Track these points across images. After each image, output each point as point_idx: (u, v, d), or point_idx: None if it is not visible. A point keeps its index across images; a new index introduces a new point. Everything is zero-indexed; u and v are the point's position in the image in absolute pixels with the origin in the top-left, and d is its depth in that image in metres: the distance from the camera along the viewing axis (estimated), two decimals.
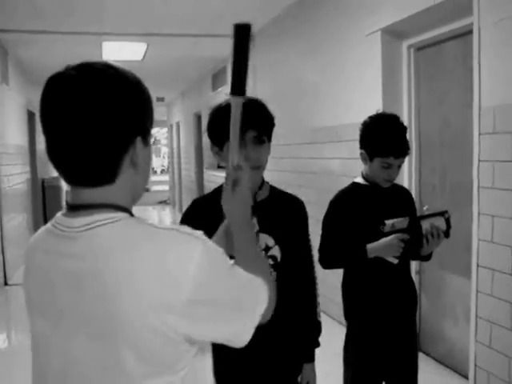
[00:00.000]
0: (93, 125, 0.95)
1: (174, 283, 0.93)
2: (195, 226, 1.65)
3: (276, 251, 1.83)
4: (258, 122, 1.76)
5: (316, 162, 5.18)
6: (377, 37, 3.94)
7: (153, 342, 0.93)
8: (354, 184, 2.44)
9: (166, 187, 17.89)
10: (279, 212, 1.89)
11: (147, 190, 21.59)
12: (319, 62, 5.03)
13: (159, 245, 0.96)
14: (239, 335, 1.06)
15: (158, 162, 25.47)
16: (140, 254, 0.94)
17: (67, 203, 1.04)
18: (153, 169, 25.04)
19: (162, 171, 24.85)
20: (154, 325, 0.92)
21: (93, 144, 0.95)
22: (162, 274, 0.93)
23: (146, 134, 1.04)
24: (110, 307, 0.93)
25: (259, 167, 1.80)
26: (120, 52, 7.73)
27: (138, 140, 1.01)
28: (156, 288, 0.92)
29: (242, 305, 1.06)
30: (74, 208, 1.01)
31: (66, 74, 0.98)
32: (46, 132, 0.99)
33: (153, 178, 22.82)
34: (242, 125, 1.72)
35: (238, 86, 1.30)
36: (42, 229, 1.09)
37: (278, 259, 1.84)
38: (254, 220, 1.79)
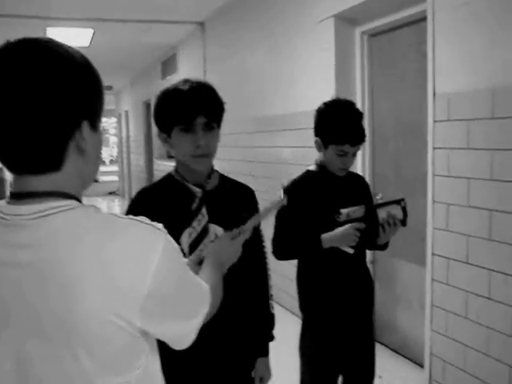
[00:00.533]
0: (34, 106, 0.86)
1: (136, 275, 0.90)
2: (142, 216, 1.56)
3: None
4: (208, 107, 1.69)
5: (267, 151, 5.10)
6: (330, 23, 3.87)
7: (110, 338, 0.89)
8: (308, 172, 2.36)
9: (115, 178, 17.54)
10: (229, 201, 1.82)
11: (96, 181, 21.15)
12: (271, 50, 4.94)
13: (122, 235, 0.92)
14: (186, 335, 1.06)
15: (107, 151, 24.95)
16: (102, 243, 0.89)
17: (11, 192, 0.96)
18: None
19: (111, 161, 24.37)
20: (113, 319, 0.88)
21: (34, 127, 0.88)
22: (125, 265, 0.89)
23: (94, 119, 0.97)
24: (70, 298, 0.87)
25: (208, 154, 1.73)
26: (65, 38, 7.41)
27: (85, 124, 0.94)
28: (119, 279, 0.88)
29: (191, 305, 1.07)
30: (20, 196, 0.93)
31: (6, 49, 0.90)
32: None
33: (101, 168, 22.42)
34: (192, 111, 1.66)
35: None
36: None
37: None
38: (204, 210, 1.75)
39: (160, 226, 0.98)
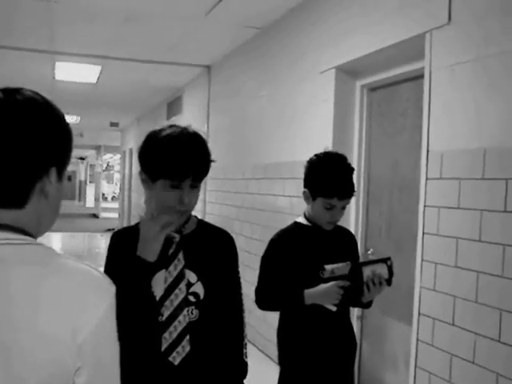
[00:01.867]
0: (8, 148, 0.95)
1: (76, 323, 0.90)
2: (116, 259, 1.62)
3: (198, 288, 1.75)
4: (199, 170, 1.70)
5: (264, 199, 5.08)
6: (331, 74, 3.91)
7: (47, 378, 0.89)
8: (296, 224, 2.33)
9: (115, 214, 17.51)
10: (205, 246, 1.81)
11: (96, 217, 21.19)
12: (272, 97, 4.98)
13: (71, 280, 0.94)
14: None
15: (110, 188, 25.06)
16: (50, 284, 0.91)
17: None
18: (103, 195, 24.70)
19: (113, 198, 24.44)
20: (49, 361, 0.88)
21: (5, 166, 0.95)
22: (67, 311, 0.90)
23: (61, 168, 1.04)
24: (10, 332, 0.88)
25: (189, 210, 1.77)
26: (73, 73, 7.54)
27: (53, 171, 1.01)
28: (59, 322, 0.89)
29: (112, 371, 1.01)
30: None
31: None
32: None
33: (103, 204, 22.51)
34: (183, 173, 1.66)
35: None
36: None
37: (201, 296, 1.75)
38: (180, 255, 1.74)
39: (109, 281, 0.99)
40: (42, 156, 0.98)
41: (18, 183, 0.96)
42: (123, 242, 1.78)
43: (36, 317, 0.88)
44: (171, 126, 1.75)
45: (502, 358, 2.42)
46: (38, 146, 0.97)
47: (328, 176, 2.19)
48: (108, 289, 0.97)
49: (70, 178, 35.12)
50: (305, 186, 2.30)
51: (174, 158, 1.66)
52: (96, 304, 0.93)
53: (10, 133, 0.94)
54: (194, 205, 1.75)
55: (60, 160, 1.03)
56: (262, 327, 4.67)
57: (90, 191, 26.68)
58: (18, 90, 1.00)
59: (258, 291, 2.30)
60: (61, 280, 0.92)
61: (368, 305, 2.38)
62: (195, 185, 1.71)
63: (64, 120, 1.05)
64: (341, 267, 2.16)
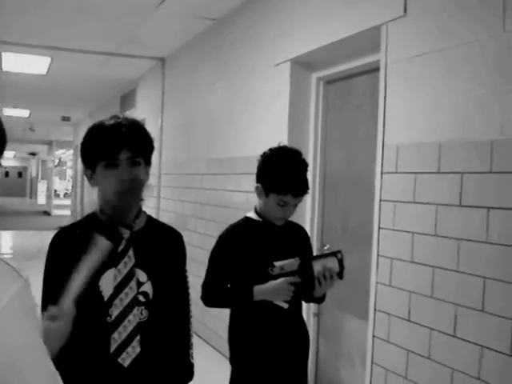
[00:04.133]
0: None
1: None
2: (61, 257, 1.58)
3: (148, 287, 1.68)
4: (132, 141, 1.63)
5: (218, 194, 4.99)
6: (286, 67, 3.85)
7: None
8: (247, 219, 2.27)
9: (68, 212, 17.12)
10: (154, 245, 1.75)
11: (48, 214, 20.65)
12: (227, 90, 4.90)
13: None
14: None
15: (63, 185, 24.49)
16: None
17: None
18: (55, 192, 24.11)
19: (66, 195, 23.90)
20: None
21: None
22: None
23: None
24: None
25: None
26: (22, 64, 7.27)
27: None
28: None
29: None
30: None
31: None
32: None
33: (55, 201, 21.95)
34: (114, 145, 1.60)
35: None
36: None
37: (150, 296, 1.68)
38: (131, 252, 1.67)
39: (25, 274, 0.92)
40: None
41: None
42: (66, 242, 1.71)
43: None
44: (111, 116, 1.70)
45: (458, 353, 2.41)
46: None
47: (283, 172, 2.13)
48: (19, 277, 0.90)
49: (20, 175, 34.20)
50: (257, 181, 2.24)
51: (104, 136, 1.62)
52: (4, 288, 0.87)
53: None
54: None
55: None
56: (217, 325, 4.59)
57: (42, 188, 26.02)
58: None
59: (204, 287, 2.23)
60: None
61: (321, 299, 2.34)
62: (134, 161, 1.64)
63: None
64: (290, 263, 2.14)
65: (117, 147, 1.60)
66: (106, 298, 1.63)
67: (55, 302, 1.55)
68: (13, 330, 0.86)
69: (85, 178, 6.91)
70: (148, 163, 1.71)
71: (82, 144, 1.69)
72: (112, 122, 1.64)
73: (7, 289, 0.87)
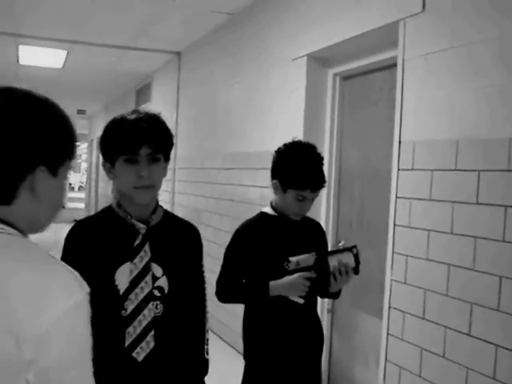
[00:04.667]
0: None
1: (32, 318, 0.88)
2: (78, 250, 1.58)
3: (163, 282, 1.68)
4: (153, 138, 1.63)
5: (234, 189, 4.99)
6: (303, 62, 3.83)
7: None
8: (262, 214, 2.27)
9: (82, 205, 17.23)
10: (171, 239, 1.75)
11: (63, 207, 20.72)
12: (243, 85, 4.89)
13: (44, 274, 0.94)
14: None
15: (77, 178, 24.57)
16: (20, 275, 0.92)
17: None
18: (70, 185, 24.23)
19: (80, 188, 23.99)
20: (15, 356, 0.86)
21: None
22: (27, 304, 0.89)
23: (54, 165, 1.03)
24: None
25: (152, 186, 1.66)
26: (38, 58, 7.31)
27: (41, 169, 1.00)
28: (11, 315, 0.88)
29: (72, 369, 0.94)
30: None
31: None
32: None
33: (70, 194, 22.09)
34: (135, 140, 1.60)
35: None
36: None
37: (166, 291, 1.69)
38: (147, 247, 1.67)
39: (85, 284, 0.97)
40: (25, 155, 0.98)
41: (1, 182, 0.99)
42: (85, 235, 1.70)
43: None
44: (132, 111, 1.71)
45: (472, 351, 2.40)
46: (19, 145, 0.98)
47: (300, 168, 2.13)
48: (75, 288, 0.95)
49: None
50: (273, 177, 2.23)
51: (125, 130, 1.62)
52: (57, 302, 0.91)
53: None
54: (157, 181, 1.67)
55: (51, 157, 1.02)
56: (230, 320, 4.59)
57: None
58: (7, 90, 1.04)
59: (219, 282, 2.23)
60: (28, 274, 0.93)
61: (336, 295, 2.34)
62: (154, 157, 1.64)
63: (55, 117, 1.05)
64: (306, 258, 2.14)
65: (138, 143, 1.60)
66: (121, 292, 1.64)
67: None
68: (68, 339, 0.92)
69: (99, 171, 6.98)
70: (167, 159, 1.71)
71: (102, 137, 1.68)
72: (134, 116, 1.64)
73: (69, 298, 0.93)
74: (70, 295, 0.93)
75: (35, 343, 0.87)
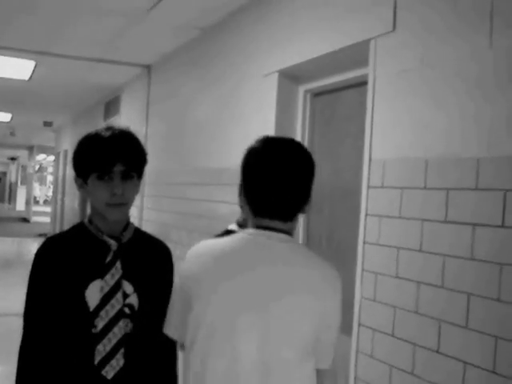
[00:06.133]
0: (302, 180, 1.56)
1: (322, 304, 1.54)
2: (48, 266, 1.56)
3: (134, 299, 1.68)
4: (127, 155, 1.64)
5: (203, 205, 4.95)
6: (274, 78, 3.84)
7: None
8: (228, 232, 2.25)
9: (48, 219, 16.91)
10: (141, 257, 1.75)
11: (27, 221, 20.37)
12: (213, 100, 4.88)
13: (320, 271, 1.56)
14: None
15: (43, 191, 24.18)
16: (314, 272, 1.55)
17: (261, 225, 1.56)
18: (35, 198, 23.84)
19: (45, 201, 23.61)
20: None
21: (301, 193, 1.57)
22: (319, 292, 1.54)
23: None
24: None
25: (125, 204, 1.67)
26: (5, 68, 7.17)
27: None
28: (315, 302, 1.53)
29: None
30: (270, 229, 1.55)
31: (288, 144, 1.62)
32: None
33: (34, 208, 21.68)
34: (109, 157, 1.60)
35: None
36: None
37: (136, 308, 1.68)
38: (118, 264, 1.67)
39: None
40: (309, 187, 1.56)
41: (301, 204, 1.51)
42: (55, 250, 1.68)
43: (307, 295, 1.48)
44: (107, 127, 1.72)
45: (441, 369, 2.40)
46: (311, 180, 1.53)
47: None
48: (336, 280, 1.59)
49: None
50: (240, 194, 2.21)
51: (99, 147, 1.63)
52: (334, 292, 1.55)
53: (304, 169, 1.52)
54: (129, 198, 1.68)
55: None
56: None
57: (21, 194, 25.66)
58: (297, 143, 1.62)
59: None
60: (320, 270, 1.53)
61: None
62: (128, 175, 1.65)
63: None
64: None
65: (112, 160, 1.61)
66: (91, 309, 1.62)
67: (41, 313, 1.53)
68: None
69: (66, 185, 6.85)
70: (140, 176, 1.72)
71: (76, 152, 1.69)
72: (108, 133, 1.65)
73: (337, 289, 1.57)
74: (336, 288, 1.57)
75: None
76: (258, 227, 1.50)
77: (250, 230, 1.51)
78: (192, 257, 1.52)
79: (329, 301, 1.50)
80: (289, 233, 1.50)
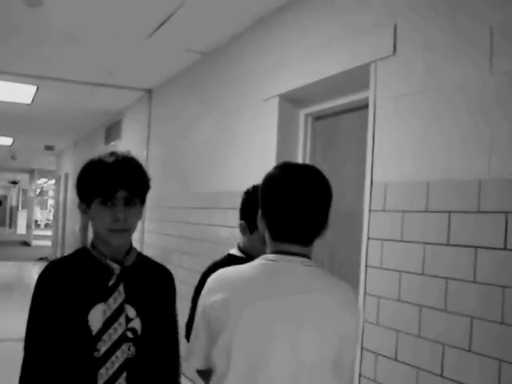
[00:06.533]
0: (324, 204, 1.60)
1: (345, 323, 1.56)
2: (51, 291, 1.57)
3: (137, 323, 1.67)
4: (130, 182, 1.65)
5: (204, 229, 4.95)
6: (274, 102, 3.87)
7: None
8: (230, 256, 2.25)
9: (48, 243, 16.87)
10: (144, 281, 1.75)
11: (28, 245, 20.32)
12: (214, 124, 4.91)
13: (342, 292, 1.61)
14: None
15: (44, 215, 24.18)
16: (338, 293, 1.60)
17: (280, 251, 1.59)
18: (36, 222, 23.82)
19: (47, 225, 23.59)
20: None
21: (322, 218, 1.60)
22: (345, 312, 1.58)
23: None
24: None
25: (127, 230, 1.67)
26: (7, 92, 7.23)
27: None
28: (344, 320, 1.56)
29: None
30: (290, 254, 1.57)
31: (309, 170, 1.65)
32: None
33: (35, 232, 21.64)
34: (113, 183, 1.61)
35: None
36: None
37: (139, 332, 1.67)
38: (121, 287, 1.67)
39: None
40: (327, 213, 1.58)
41: (318, 230, 1.57)
42: (58, 274, 1.68)
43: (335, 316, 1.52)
44: (110, 153, 1.73)
45: None
46: (328, 202, 1.57)
47: None
48: (356, 302, 1.69)
49: (0, 203, 33.71)
50: (241, 218, 2.22)
51: (103, 173, 1.64)
52: (355, 311, 1.60)
53: (325, 194, 1.58)
54: (132, 224, 1.68)
55: None
56: None
57: (22, 217, 25.65)
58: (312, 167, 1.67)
59: (188, 325, 2.18)
60: (340, 292, 1.58)
61: None
62: (131, 202, 1.66)
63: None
64: None
65: (115, 186, 1.62)
66: (94, 333, 1.62)
67: (42, 339, 1.52)
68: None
69: (67, 209, 6.85)
70: (143, 202, 1.73)
71: (79, 178, 1.71)
72: (112, 159, 1.66)
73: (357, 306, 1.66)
74: (356, 306, 1.65)
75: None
76: (277, 252, 1.53)
77: (271, 256, 1.54)
78: (215, 285, 1.54)
79: (350, 322, 1.55)
80: (308, 257, 1.55)
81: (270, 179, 1.57)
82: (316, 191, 1.54)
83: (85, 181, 1.69)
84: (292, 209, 1.50)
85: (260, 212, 1.59)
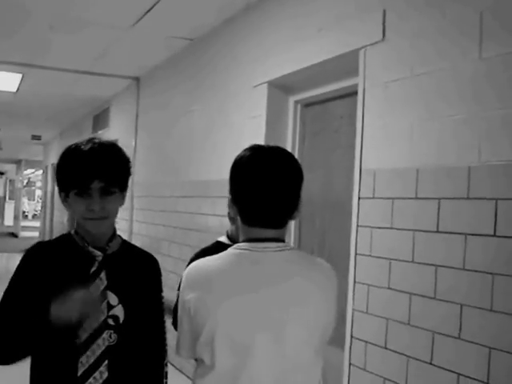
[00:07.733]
0: (292, 185, 1.54)
1: (328, 302, 1.58)
2: (35, 270, 1.54)
3: (119, 311, 1.65)
4: (106, 172, 1.60)
5: (193, 218, 4.92)
6: (263, 89, 3.83)
7: None
8: (218, 243, 2.24)
9: (36, 234, 16.78)
10: (128, 268, 1.72)
11: (15, 236, 20.18)
12: (203, 111, 4.87)
13: (324, 272, 1.58)
14: None
15: (31, 206, 24.03)
16: (315, 275, 1.56)
17: (252, 238, 1.53)
18: (24, 213, 23.64)
19: (34, 216, 23.46)
20: None
21: (291, 198, 1.54)
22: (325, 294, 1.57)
23: None
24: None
25: (105, 217, 1.63)
26: None
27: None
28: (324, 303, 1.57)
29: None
30: (262, 240, 1.51)
31: (276, 151, 1.58)
32: None
33: (23, 223, 21.50)
34: (86, 175, 1.57)
35: None
36: None
37: (121, 320, 1.65)
38: (103, 274, 1.65)
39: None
40: (298, 193, 1.54)
41: (290, 212, 1.52)
42: (43, 256, 1.67)
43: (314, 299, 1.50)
44: (88, 140, 1.67)
45: (434, 381, 2.38)
46: (298, 183, 1.54)
47: None
48: (334, 277, 1.59)
49: None
50: (231, 205, 2.19)
51: (77, 163, 1.59)
52: (334, 291, 1.57)
53: (293, 175, 1.52)
54: (111, 212, 1.64)
55: None
56: None
57: (9, 208, 25.47)
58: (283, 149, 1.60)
59: (174, 311, 2.16)
60: (322, 272, 1.56)
61: None
62: (109, 191, 1.61)
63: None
64: None
65: (89, 177, 1.57)
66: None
67: (16, 313, 1.53)
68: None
69: (54, 199, 6.80)
70: (124, 189, 1.69)
71: (57, 167, 1.67)
72: (88, 146, 1.61)
73: (335, 284, 1.58)
74: (334, 284, 1.58)
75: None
76: (251, 239, 1.49)
77: (245, 245, 1.49)
78: (191, 282, 1.49)
79: (331, 302, 1.55)
80: (282, 240, 1.51)
81: (238, 162, 1.54)
82: (286, 172, 1.50)
83: (61, 171, 1.65)
84: (262, 191, 1.46)
85: (230, 197, 1.55)
